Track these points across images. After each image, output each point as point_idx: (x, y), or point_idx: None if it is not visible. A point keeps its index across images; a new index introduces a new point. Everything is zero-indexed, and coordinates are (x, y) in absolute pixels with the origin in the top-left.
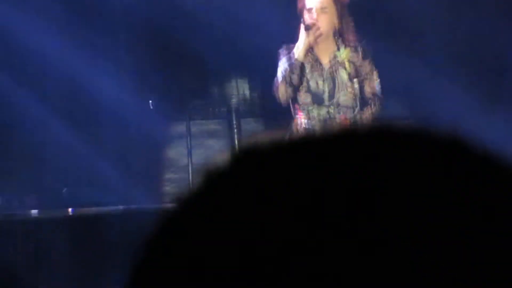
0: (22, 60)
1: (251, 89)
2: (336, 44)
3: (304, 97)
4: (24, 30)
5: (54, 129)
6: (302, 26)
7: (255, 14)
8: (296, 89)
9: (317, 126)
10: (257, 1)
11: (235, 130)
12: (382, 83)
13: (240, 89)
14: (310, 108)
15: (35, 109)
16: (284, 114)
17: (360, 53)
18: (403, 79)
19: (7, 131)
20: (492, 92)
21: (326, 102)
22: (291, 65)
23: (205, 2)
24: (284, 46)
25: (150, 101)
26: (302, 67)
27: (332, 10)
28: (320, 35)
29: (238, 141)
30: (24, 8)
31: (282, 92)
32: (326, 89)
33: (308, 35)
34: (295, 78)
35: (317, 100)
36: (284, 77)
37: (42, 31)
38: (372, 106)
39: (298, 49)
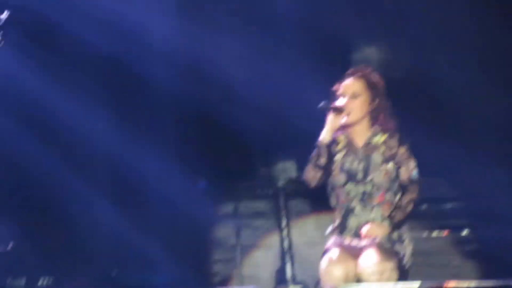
0: (68, 140)
1: (297, 170)
2: (371, 129)
3: (339, 177)
4: (68, 109)
5: (102, 210)
6: (331, 109)
7: (303, 97)
8: (323, 170)
9: (356, 203)
10: (306, 85)
11: (283, 211)
12: (424, 165)
13: (287, 171)
14: (348, 187)
15: (83, 190)
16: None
17: (396, 139)
18: (446, 162)
19: (56, 211)
20: None
21: (362, 180)
22: (317, 147)
23: (253, 85)
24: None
25: (199, 182)
26: (328, 149)
27: (364, 95)
28: (349, 117)
29: (286, 222)
30: (67, 86)
31: (310, 174)
32: (361, 168)
33: (334, 118)
34: (322, 160)
35: (352, 179)
36: (311, 160)
37: (86, 111)
38: (411, 191)
39: (325, 132)
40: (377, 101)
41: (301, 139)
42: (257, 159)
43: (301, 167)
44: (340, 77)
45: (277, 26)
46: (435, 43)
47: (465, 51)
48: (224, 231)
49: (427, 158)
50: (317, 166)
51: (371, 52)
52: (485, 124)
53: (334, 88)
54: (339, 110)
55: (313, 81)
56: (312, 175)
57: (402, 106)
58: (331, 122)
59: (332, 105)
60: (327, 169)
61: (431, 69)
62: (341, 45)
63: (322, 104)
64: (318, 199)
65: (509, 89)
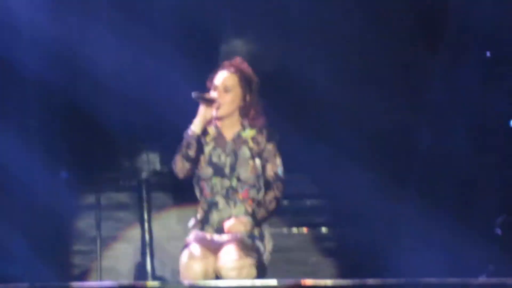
0: None
1: (161, 162)
2: (241, 123)
3: (205, 170)
4: None
5: None
6: (203, 100)
7: (168, 89)
8: (193, 162)
9: (220, 198)
10: (171, 76)
11: (145, 203)
12: (287, 161)
13: (150, 163)
14: (213, 180)
15: None
16: (193, 188)
17: (265, 135)
18: (309, 159)
19: None
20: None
21: (228, 175)
22: (187, 138)
23: (120, 76)
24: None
25: (61, 172)
26: (198, 140)
27: (237, 90)
28: (220, 110)
29: (148, 215)
30: None
31: (179, 165)
32: (228, 163)
33: (206, 109)
34: (191, 151)
35: (219, 172)
36: (181, 150)
37: None
38: (275, 189)
39: (196, 123)
40: (249, 96)
41: (165, 131)
42: (121, 150)
43: (164, 159)
44: (209, 70)
45: (149, 16)
46: (304, 40)
47: (335, 49)
48: (84, 223)
49: (290, 155)
50: (186, 157)
51: (241, 45)
52: (350, 125)
53: (208, 79)
54: (211, 102)
55: (180, 72)
56: (180, 166)
57: (268, 101)
58: (203, 113)
59: (204, 96)
60: (195, 161)
61: (300, 66)
62: (211, 37)
63: (194, 94)
64: (181, 192)
65: (377, 89)
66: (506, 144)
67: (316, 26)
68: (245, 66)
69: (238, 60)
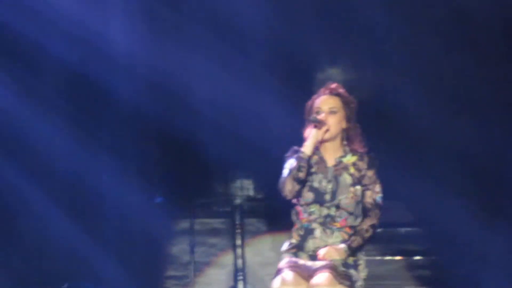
0: (26, 151)
1: (255, 189)
2: (343, 148)
3: (306, 195)
4: (28, 120)
5: (57, 223)
6: (310, 124)
7: (262, 116)
8: (302, 184)
9: (317, 225)
10: (265, 103)
11: (238, 229)
12: (386, 190)
13: (244, 189)
14: (312, 207)
15: (38, 202)
16: (287, 215)
17: (366, 162)
18: (404, 186)
19: (10, 223)
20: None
21: (328, 202)
22: (299, 160)
23: (214, 102)
24: (291, 150)
25: (156, 198)
26: (309, 163)
27: (341, 113)
28: (328, 132)
29: (241, 240)
30: (28, 97)
31: (288, 187)
32: (329, 189)
33: (316, 132)
34: (302, 174)
35: (319, 198)
36: (291, 172)
37: (46, 123)
38: (373, 216)
39: (307, 145)
40: (350, 119)
41: (258, 157)
42: (215, 177)
43: (258, 186)
44: (302, 97)
45: (242, 43)
46: (401, 67)
47: (430, 77)
48: (178, 248)
49: (385, 182)
50: (297, 179)
51: (335, 72)
52: (446, 153)
53: (307, 104)
54: (321, 124)
55: (274, 100)
56: (290, 188)
57: (365, 128)
58: (314, 136)
59: (317, 119)
60: (305, 183)
61: (395, 94)
62: (305, 65)
63: (311, 117)
64: (274, 218)
65: (473, 118)
66: None
67: (407, 50)
68: (344, 90)
69: (336, 84)
